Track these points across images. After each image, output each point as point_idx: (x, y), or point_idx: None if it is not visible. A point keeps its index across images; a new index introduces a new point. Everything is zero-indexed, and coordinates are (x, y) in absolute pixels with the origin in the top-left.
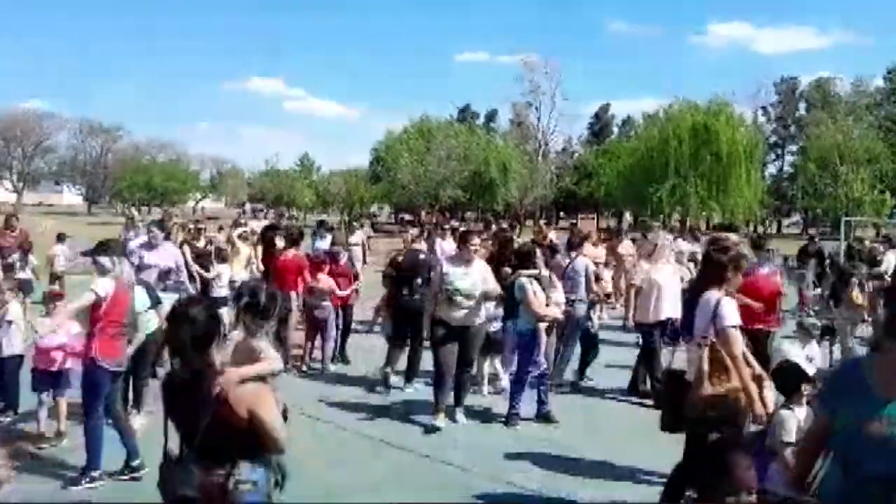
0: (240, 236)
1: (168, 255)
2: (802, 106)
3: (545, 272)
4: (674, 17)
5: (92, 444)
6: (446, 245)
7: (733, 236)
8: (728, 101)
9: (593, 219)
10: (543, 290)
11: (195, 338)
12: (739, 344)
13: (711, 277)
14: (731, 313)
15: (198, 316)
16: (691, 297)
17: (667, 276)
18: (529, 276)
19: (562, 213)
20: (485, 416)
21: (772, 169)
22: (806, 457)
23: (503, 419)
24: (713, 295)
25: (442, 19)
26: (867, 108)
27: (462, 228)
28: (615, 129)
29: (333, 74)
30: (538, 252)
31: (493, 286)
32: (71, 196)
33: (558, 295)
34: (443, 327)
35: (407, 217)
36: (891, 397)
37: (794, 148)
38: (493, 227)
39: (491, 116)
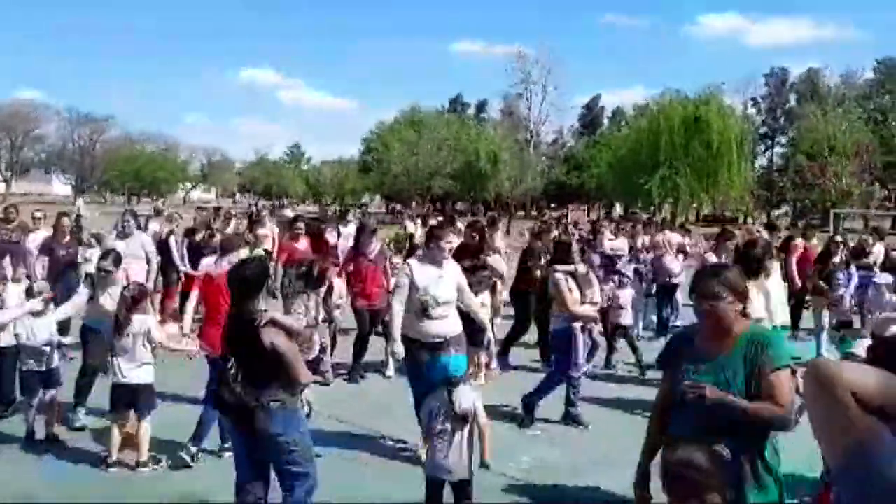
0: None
1: (137, 244)
2: (793, 97)
3: (582, 268)
4: (666, 8)
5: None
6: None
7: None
8: (718, 93)
9: (584, 210)
10: (580, 287)
11: (243, 289)
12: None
13: (748, 271)
14: (756, 307)
15: (247, 273)
16: None
17: (775, 284)
18: (565, 272)
19: (552, 204)
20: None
21: (762, 160)
22: (655, 427)
23: (512, 418)
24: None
25: (437, 9)
26: (856, 101)
27: (432, 222)
28: (606, 121)
29: (326, 65)
30: (575, 245)
31: (472, 298)
32: (60, 185)
33: (594, 293)
34: (417, 348)
35: (398, 207)
36: (711, 356)
37: (783, 139)
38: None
39: (481, 107)
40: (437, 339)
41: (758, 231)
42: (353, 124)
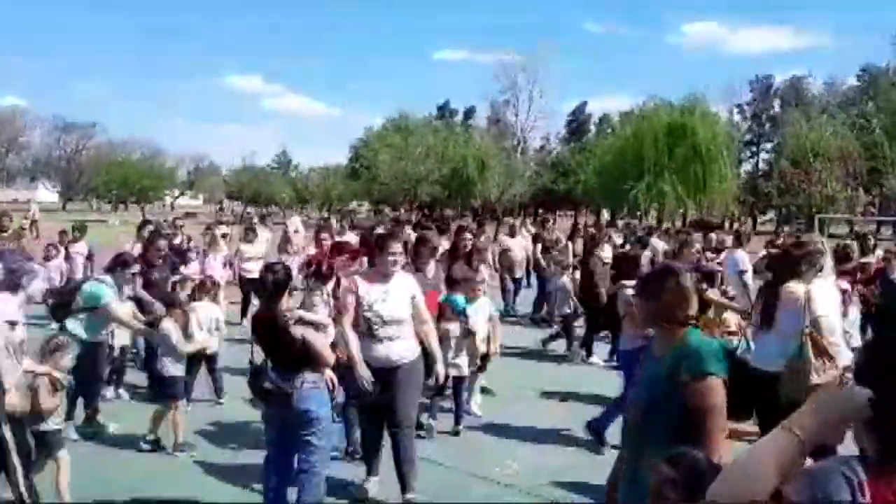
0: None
1: None
2: (777, 104)
3: None
4: (649, 16)
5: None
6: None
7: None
8: (703, 99)
9: (571, 216)
10: None
11: (270, 290)
12: (836, 331)
13: (787, 272)
14: (820, 303)
15: (274, 276)
16: (769, 290)
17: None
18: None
19: (539, 211)
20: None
21: (747, 166)
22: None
23: (497, 425)
24: (798, 287)
25: (421, 17)
26: (840, 107)
27: (378, 230)
28: (592, 127)
29: (312, 72)
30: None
31: (426, 319)
32: (46, 193)
33: None
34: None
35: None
36: (656, 354)
37: (768, 146)
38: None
39: (469, 114)
40: (388, 366)
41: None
42: (338, 131)
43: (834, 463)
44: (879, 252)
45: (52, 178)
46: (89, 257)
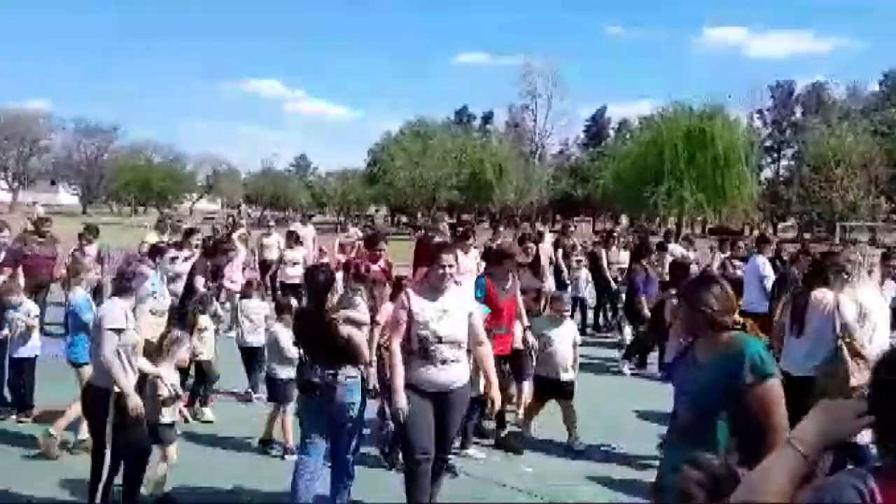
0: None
1: None
2: (798, 110)
3: None
4: (670, 21)
5: None
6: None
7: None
8: (723, 105)
9: (589, 221)
10: None
11: (317, 289)
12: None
13: (816, 279)
14: (848, 310)
15: (319, 276)
16: (799, 297)
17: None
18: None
19: (557, 216)
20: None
21: (767, 172)
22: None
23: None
24: (828, 295)
25: (444, 20)
26: (862, 113)
27: (434, 237)
28: (611, 132)
29: (332, 76)
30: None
31: (482, 339)
32: (67, 196)
33: None
34: (412, 396)
35: (404, 219)
36: (703, 363)
37: (789, 152)
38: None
39: (487, 118)
40: (440, 391)
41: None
42: (357, 135)
43: (846, 476)
44: None
45: (73, 182)
46: (99, 259)
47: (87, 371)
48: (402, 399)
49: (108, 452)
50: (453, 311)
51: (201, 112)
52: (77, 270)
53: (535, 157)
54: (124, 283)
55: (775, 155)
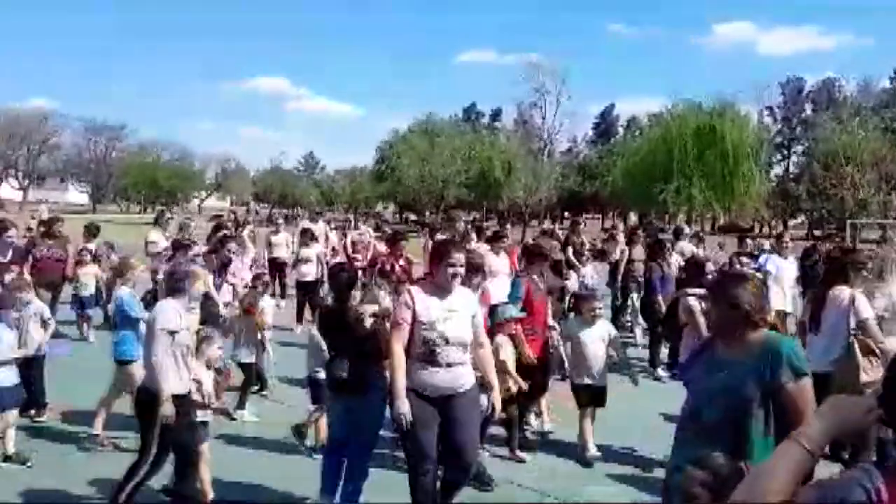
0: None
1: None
2: (808, 107)
3: None
4: (677, 18)
5: None
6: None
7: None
8: (732, 102)
9: (598, 219)
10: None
11: (340, 287)
12: (880, 333)
13: (835, 276)
14: (865, 307)
15: (342, 274)
16: (818, 293)
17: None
18: (699, 296)
19: (566, 213)
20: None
21: (777, 169)
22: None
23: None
24: (845, 291)
25: (448, 18)
26: (873, 110)
27: (438, 235)
28: (620, 130)
29: (338, 73)
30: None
31: (484, 343)
32: (76, 194)
33: None
34: (415, 401)
35: (412, 217)
36: (730, 361)
37: (799, 149)
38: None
39: (496, 116)
40: (447, 394)
41: None
42: (365, 133)
43: (852, 473)
44: None
45: (82, 180)
46: (96, 258)
47: (133, 369)
48: (404, 403)
49: (153, 452)
50: (461, 312)
51: (203, 112)
52: (123, 270)
53: (544, 154)
54: (176, 283)
55: (785, 152)
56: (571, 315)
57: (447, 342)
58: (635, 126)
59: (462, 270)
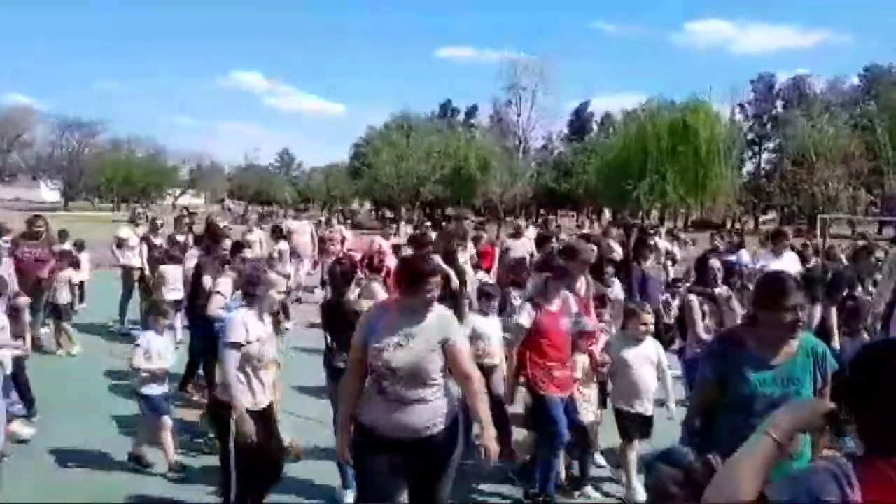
0: None
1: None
2: (779, 104)
3: (724, 291)
4: (656, 15)
5: None
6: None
7: None
8: (706, 99)
9: (573, 216)
10: (720, 313)
11: (340, 280)
12: None
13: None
14: None
15: (338, 269)
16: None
17: None
18: (702, 295)
19: (541, 210)
20: None
21: (749, 166)
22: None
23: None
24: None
25: (427, 14)
26: (842, 107)
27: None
28: (595, 126)
29: (315, 69)
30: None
31: (472, 371)
32: (48, 192)
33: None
34: (371, 444)
35: (388, 213)
36: (774, 364)
37: (770, 145)
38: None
39: (471, 113)
40: (407, 437)
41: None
42: (342, 129)
43: (819, 463)
44: None
45: (54, 177)
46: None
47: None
48: (343, 440)
49: (233, 474)
50: (421, 338)
51: (180, 108)
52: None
53: (519, 151)
54: (249, 290)
55: (756, 148)
56: (613, 330)
57: (393, 373)
58: (609, 123)
59: (437, 295)
